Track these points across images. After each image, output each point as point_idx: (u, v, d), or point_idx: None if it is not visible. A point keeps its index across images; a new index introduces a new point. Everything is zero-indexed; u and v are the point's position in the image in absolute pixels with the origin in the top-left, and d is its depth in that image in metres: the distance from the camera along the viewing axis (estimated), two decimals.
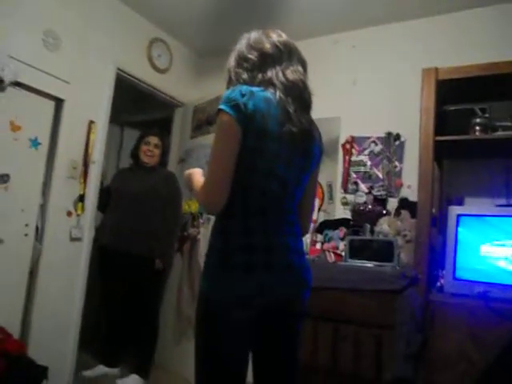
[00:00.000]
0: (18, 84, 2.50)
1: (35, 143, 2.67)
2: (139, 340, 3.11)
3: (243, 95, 1.24)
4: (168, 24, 3.51)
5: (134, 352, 3.13)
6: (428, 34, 2.97)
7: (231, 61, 1.43)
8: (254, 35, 1.43)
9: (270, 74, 1.34)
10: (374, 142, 3.05)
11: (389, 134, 2.98)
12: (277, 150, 1.29)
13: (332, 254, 2.65)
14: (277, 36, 1.41)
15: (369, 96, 3.12)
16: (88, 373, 2.98)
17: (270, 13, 3.10)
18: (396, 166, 2.95)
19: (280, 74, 1.34)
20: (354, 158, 3.11)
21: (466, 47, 2.77)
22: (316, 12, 3.08)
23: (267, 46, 1.38)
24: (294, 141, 1.30)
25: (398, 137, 2.96)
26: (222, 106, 1.24)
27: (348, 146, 3.13)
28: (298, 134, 1.30)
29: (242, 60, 1.40)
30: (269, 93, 1.30)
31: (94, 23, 3.01)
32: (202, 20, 3.37)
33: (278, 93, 1.30)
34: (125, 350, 3.19)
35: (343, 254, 2.61)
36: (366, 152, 3.08)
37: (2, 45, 2.38)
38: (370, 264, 2.42)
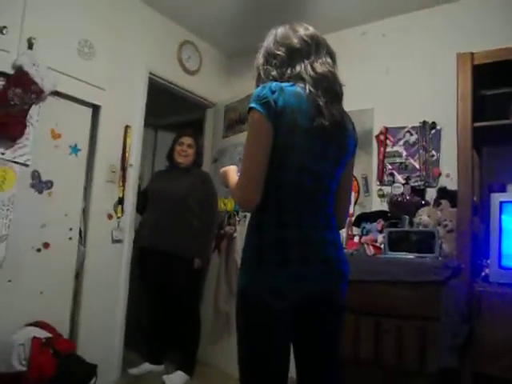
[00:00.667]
0: (56, 93, 2.60)
1: (75, 150, 2.77)
2: (182, 337, 3.18)
3: (273, 92, 1.25)
4: (196, 26, 3.56)
5: (178, 349, 3.20)
6: (460, 18, 2.88)
7: (259, 58, 1.44)
8: (280, 31, 1.43)
9: (298, 68, 1.34)
10: (408, 131, 3.00)
11: (424, 122, 2.92)
12: (308, 144, 1.29)
13: (371, 247, 2.62)
14: (303, 29, 1.40)
15: (401, 85, 3.06)
16: (134, 370, 3.07)
17: (296, 9, 3.09)
18: (433, 155, 2.88)
19: (309, 68, 1.33)
20: (388, 149, 3.06)
21: (502, 29, 2.67)
22: (343, 4, 3.05)
23: (294, 40, 1.37)
24: (325, 134, 1.30)
25: (433, 125, 2.89)
26: (252, 105, 1.26)
27: (382, 137, 3.08)
28: (330, 126, 1.29)
29: (270, 57, 1.40)
30: (299, 87, 1.30)
31: (126, 30, 3.09)
32: (230, 21, 3.40)
33: (307, 87, 1.30)
34: (169, 348, 3.27)
35: (382, 246, 2.58)
36: (401, 142, 3.02)
37: (41, 57, 2.47)
38: (410, 256, 2.38)
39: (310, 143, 1.29)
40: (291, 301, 1.28)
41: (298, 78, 1.33)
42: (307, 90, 1.30)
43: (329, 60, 1.39)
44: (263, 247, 1.27)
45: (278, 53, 1.37)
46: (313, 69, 1.34)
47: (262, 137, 1.24)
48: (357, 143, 1.48)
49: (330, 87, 1.34)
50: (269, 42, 1.43)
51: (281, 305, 1.26)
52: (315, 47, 1.37)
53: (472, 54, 2.33)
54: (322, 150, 1.32)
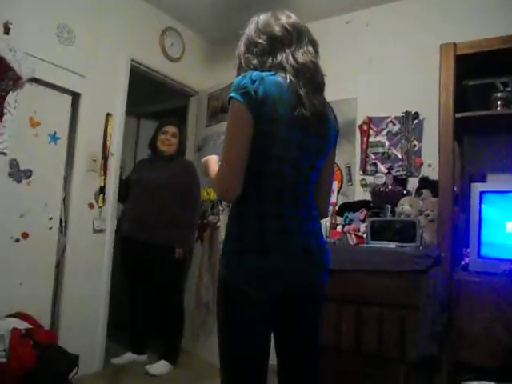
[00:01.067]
0: (35, 80, 2.54)
1: (54, 138, 2.71)
2: (165, 327, 3.17)
3: (254, 81, 1.23)
4: (179, 13, 3.49)
5: (161, 339, 3.20)
6: (444, 8, 2.89)
7: (240, 46, 1.42)
8: (262, 18, 1.40)
9: (279, 57, 1.32)
10: (391, 121, 3.01)
11: (407, 112, 2.94)
12: (289, 134, 1.28)
13: (353, 237, 2.64)
14: (286, 18, 1.38)
15: (385, 75, 3.06)
16: (117, 360, 3.06)
17: None
18: (415, 145, 2.90)
19: (290, 57, 1.32)
20: (371, 139, 3.08)
21: (484, 20, 2.68)
22: None
23: (276, 28, 1.35)
24: (306, 124, 1.29)
25: (416, 115, 2.91)
26: (232, 94, 1.24)
27: (365, 127, 3.09)
28: (311, 117, 1.29)
29: (251, 45, 1.38)
30: (279, 77, 1.29)
31: (107, 16, 3.02)
32: (213, 7, 3.34)
33: (288, 76, 1.28)
34: (152, 337, 3.26)
35: (365, 235, 2.60)
36: (384, 132, 3.03)
37: (18, 42, 2.40)
38: (392, 245, 2.41)
39: (291, 133, 1.28)
40: (271, 291, 1.28)
41: (279, 67, 1.31)
42: (288, 80, 1.28)
43: (311, 49, 1.37)
44: (243, 238, 1.27)
45: (259, 41, 1.35)
46: (294, 58, 1.32)
47: (242, 126, 1.23)
48: (338, 134, 1.48)
49: (311, 77, 1.32)
50: (250, 29, 1.40)
51: (261, 296, 1.26)
52: (297, 36, 1.35)
53: (455, 44, 2.33)
54: (302, 140, 1.31)
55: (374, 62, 3.12)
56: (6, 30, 2.38)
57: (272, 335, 1.37)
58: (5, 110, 2.39)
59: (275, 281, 1.27)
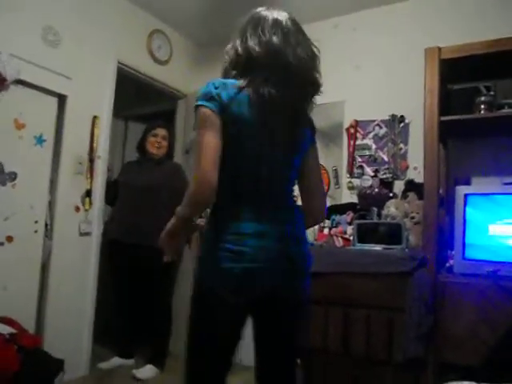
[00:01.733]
0: (20, 82, 2.51)
1: (40, 140, 2.69)
2: (153, 331, 3.15)
3: (216, 87, 1.26)
4: (167, 15, 3.49)
5: (149, 343, 3.17)
6: (429, 13, 2.93)
7: (226, 52, 1.40)
8: (250, 27, 1.36)
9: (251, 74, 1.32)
10: (378, 125, 3.04)
11: (393, 116, 2.97)
12: (258, 134, 1.29)
13: (340, 239, 2.66)
14: (272, 27, 1.34)
15: (372, 79, 3.09)
16: (104, 364, 3.03)
17: None
18: (401, 149, 2.93)
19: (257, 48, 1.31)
20: (358, 142, 3.10)
21: (468, 25, 2.73)
22: None
23: (256, 49, 1.31)
24: (276, 123, 1.30)
25: (402, 119, 2.94)
26: (198, 103, 1.27)
27: (352, 130, 3.11)
28: (276, 115, 1.29)
29: (233, 55, 1.36)
30: (243, 81, 1.29)
31: (93, 17, 3.00)
32: (200, 9, 3.34)
33: (256, 79, 1.28)
34: (139, 341, 3.24)
35: (351, 238, 2.61)
36: (371, 135, 3.06)
37: (3, 44, 2.38)
38: (378, 247, 2.42)
39: (261, 134, 1.29)
40: (246, 295, 1.28)
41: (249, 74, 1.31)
42: (253, 83, 1.28)
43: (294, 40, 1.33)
44: (219, 240, 1.27)
45: (240, 54, 1.34)
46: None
47: (211, 130, 1.24)
48: (314, 131, 1.46)
49: (283, 74, 1.31)
50: (238, 36, 1.37)
51: (235, 299, 1.26)
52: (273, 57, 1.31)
53: (439, 48, 2.36)
54: (273, 139, 1.30)
55: (361, 66, 3.15)
56: None
57: (253, 337, 1.39)
58: None
59: (250, 284, 1.27)
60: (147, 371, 2.97)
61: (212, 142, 1.24)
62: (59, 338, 2.72)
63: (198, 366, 1.34)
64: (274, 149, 1.32)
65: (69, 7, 2.82)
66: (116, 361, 3.09)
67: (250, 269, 1.25)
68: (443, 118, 2.34)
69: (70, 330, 2.86)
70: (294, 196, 1.44)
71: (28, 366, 2.19)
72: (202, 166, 1.23)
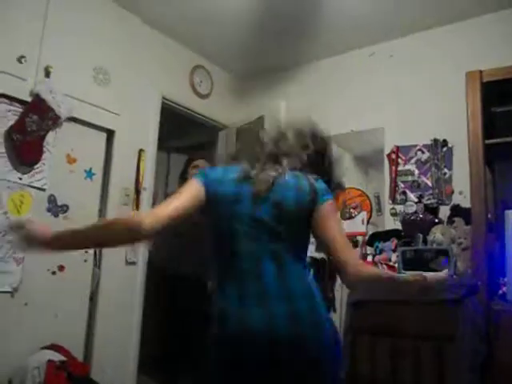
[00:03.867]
0: (72, 119, 2.67)
1: (90, 174, 2.82)
2: (197, 364, 3.13)
3: (209, 171, 1.40)
4: (207, 50, 3.64)
5: (193, 375, 3.16)
6: (468, 36, 2.91)
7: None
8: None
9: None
10: (420, 150, 3.00)
11: (435, 140, 2.92)
12: (241, 209, 1.30)
13: (385, 266, 2.60)
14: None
15: (411, 104, 3.07)
16: None
17: (305, 32, 3.14)
18: (445, 173, 2.87)
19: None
20: (400, 168, 3.06)
21: (509, 46, 2.69)
22: (351, 26, 3.09)
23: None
24: (259, 198, 1.29)
25: (445, 143, 2.89)
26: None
27: (394, 156, 3.08)
28: (258, 190, 1.30)
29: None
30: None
31: (140, 57, 3.17)
32: (239, 44, 3.47)
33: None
34: (183, 373, 3.23)
35: (396, 265, 2.55)
36: (413, 161, 3.02)
37: (58, 84, 2.55)
38: (425, 274, 2.35)
39: (244, 208, 1.29)
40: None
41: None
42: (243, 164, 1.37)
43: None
44: (211, 323, 1.31)
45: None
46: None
47: (190, 189, 1.34)
48: (315, 191, 1.29)
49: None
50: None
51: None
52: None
53: (481, 71, 2.35)
54: (257, 214, 1.28)
55: (399, 92, 3.14)
56: (47, 74, 2.54)
57: None
58: (44, 149, 2.52)
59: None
60: None
61: (183, 197, 1.34)
62: (106, 367, 2.76)
63: None
64: (257, 224, 1.29)
65: (117, 48, 3.00)
66: None
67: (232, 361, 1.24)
68: (488, 141, 2.30)
69: (117, 359, 2.90)
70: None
71: None
72: (155, 210, 1.39)
